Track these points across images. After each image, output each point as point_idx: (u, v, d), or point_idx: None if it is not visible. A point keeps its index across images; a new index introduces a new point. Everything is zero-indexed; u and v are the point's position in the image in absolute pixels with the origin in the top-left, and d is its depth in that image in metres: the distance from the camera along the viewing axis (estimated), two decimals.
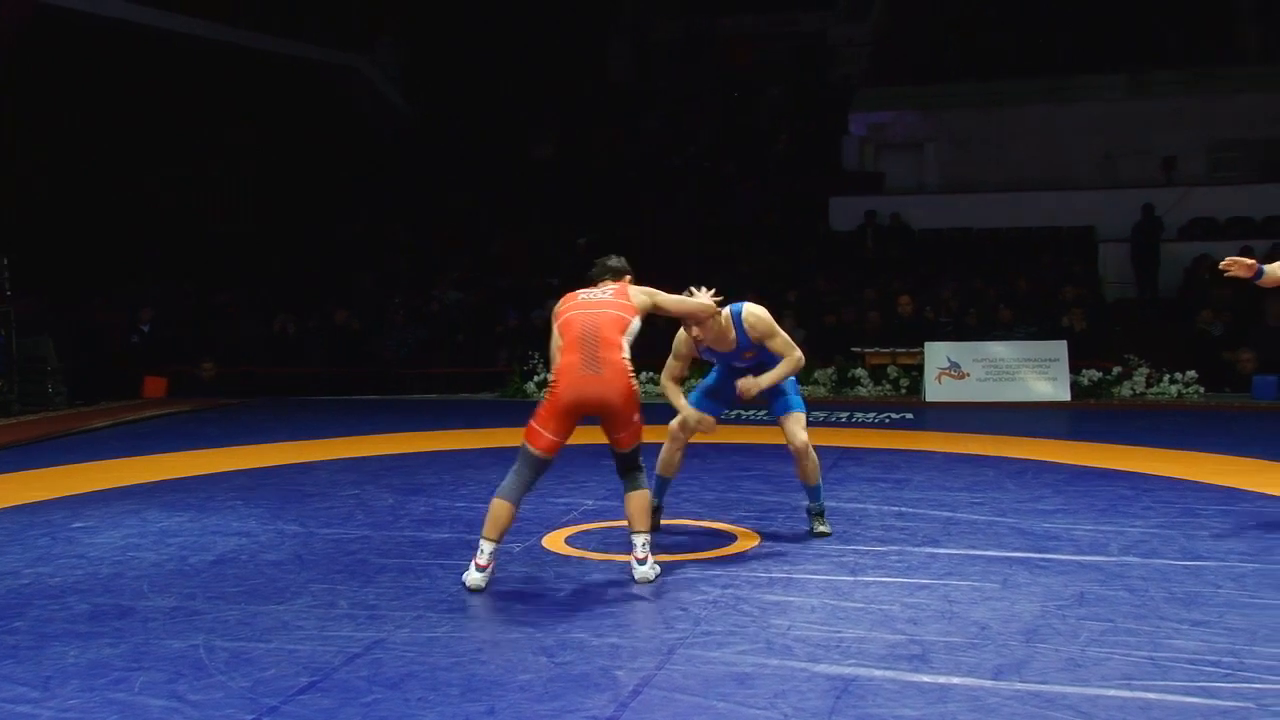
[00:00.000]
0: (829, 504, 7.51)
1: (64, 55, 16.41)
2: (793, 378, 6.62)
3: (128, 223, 17.96)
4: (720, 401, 6.82)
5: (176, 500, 8.05)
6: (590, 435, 10.73)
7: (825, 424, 11.53)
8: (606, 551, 6.40)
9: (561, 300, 6.16)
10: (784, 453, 9.62)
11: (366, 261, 19.37)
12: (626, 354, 5.85)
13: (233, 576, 6.03)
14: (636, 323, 5.98)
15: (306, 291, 17.81)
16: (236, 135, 19.86)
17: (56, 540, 6.90)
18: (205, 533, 7.02)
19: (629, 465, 5.88)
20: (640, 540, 5.78)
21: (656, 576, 5.73)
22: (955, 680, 4.34)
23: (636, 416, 5.87)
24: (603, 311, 5.91)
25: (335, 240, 20.09)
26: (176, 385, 14.94)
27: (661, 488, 6.85)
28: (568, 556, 6.32)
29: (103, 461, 9.98)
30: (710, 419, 6.67)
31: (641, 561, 5.75)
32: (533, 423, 5.82)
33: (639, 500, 5.84)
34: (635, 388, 5.86)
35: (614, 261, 6.38)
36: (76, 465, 9.75)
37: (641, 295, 6.08)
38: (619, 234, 19.85)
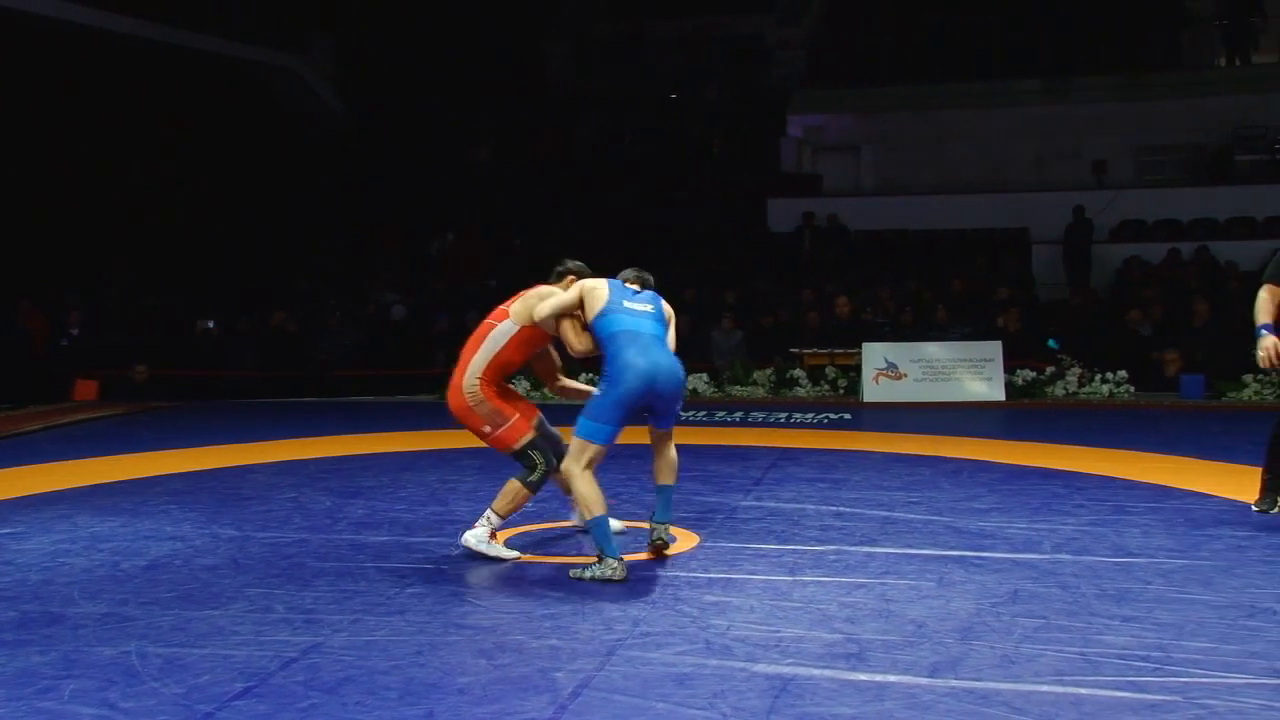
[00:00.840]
0: (767, 503, 7.57)
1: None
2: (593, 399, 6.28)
3: (56, 223, 17.66)
4: None
5: (109, 505, 7.92)
6: None
7: (764, 424, 11.59)
8: (545, 553, 6.39)
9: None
10: (721, 453, 9.71)
11: (302, 263, 19.20)
12: (474, 369, 6.20)
13: (166, 581, 5.94)
14: (505, 326, 6.25)
15: (241, 293, 17.62)
16: (169, 135, 19.60)
17: None
18: (138, 537, 6.91)
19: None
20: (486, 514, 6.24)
21: (467, 550, 6.16)
22: (892, 678, 4.38)
23: (486, 428, 6.27)
24: (481, 324, 6.33)
25: (270, 242, 19.89)
26: (108, 388, 14.72)
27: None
28: (506, 559, 6.29)
29: (32, 465, 9.80)
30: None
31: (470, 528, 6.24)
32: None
33: (508, 484, 6.32)
34: (467, 403, 6.23)
35: (561, 265, 6.50)
36: (4, 470, 9.57)
37: (530, 301, 6.29)
38: (556, 236, 19.90)
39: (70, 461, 10.00)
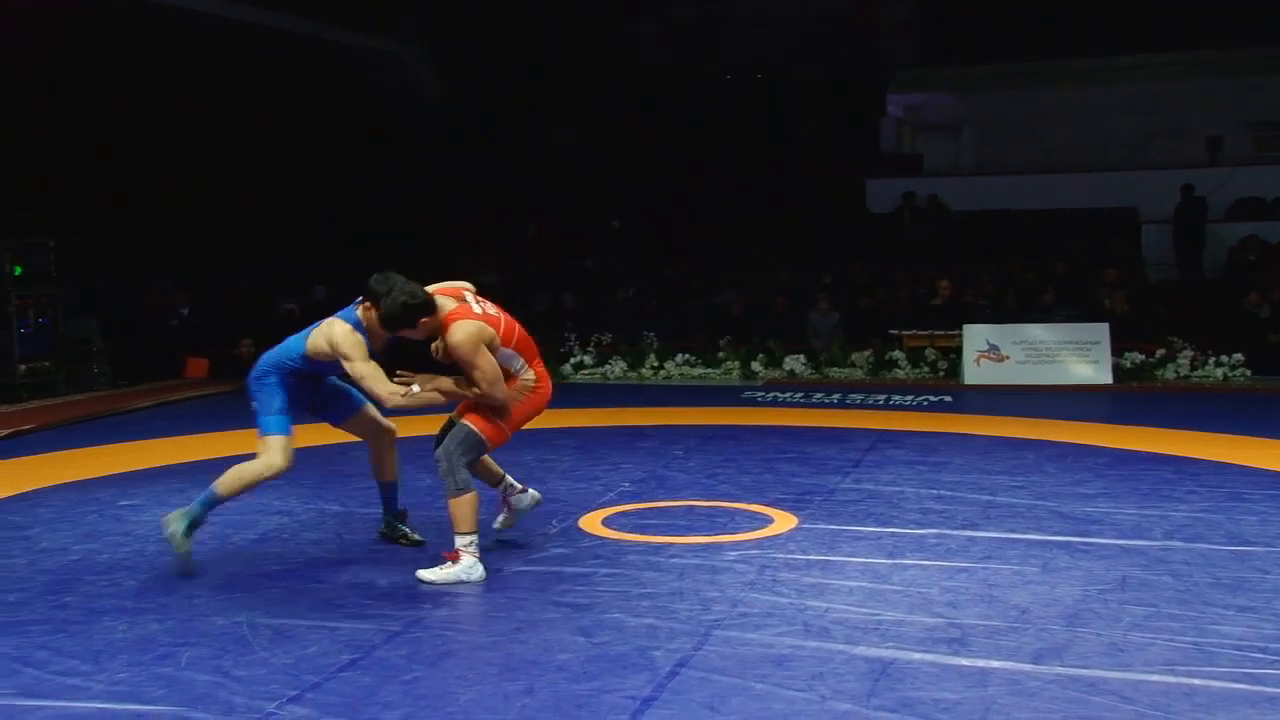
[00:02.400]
0: (866, 486, 7.52)
1: (107, 42, 16.51)
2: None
3: (168, 208, 18.09)
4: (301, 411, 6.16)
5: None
6: (626, 417, 10.76)
7: (862, 406, 11.50)
8: (643, 533, 6.42)
9: (467, 307, 5.68)
10: (819, 434, 9.66)
11: (394, 243, 19.42)
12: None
13: (275, 555, 6.09)
14: None
15: (342, 275, 17.87)
16: (266, 120, 19.94)
17: (104, 518, 7.00)
18: (248, 511, 7.07)
19: None
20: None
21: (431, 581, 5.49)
22: (995, 664, 4.35)
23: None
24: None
25: (364, 224, 20.15)
26: (218, 366, 15.04)
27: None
28: (604, 538, 6.34)
29: (147, 441, 10.05)
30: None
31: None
32: (506, 426, 5.73)
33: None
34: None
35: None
36: (122, 444, 9.85)
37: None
38: (650, 217, 19.91)
39: (183, 437, 10.23)
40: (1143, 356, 13.40)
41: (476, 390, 5.58)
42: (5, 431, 10.36)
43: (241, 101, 19.20)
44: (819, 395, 12.31)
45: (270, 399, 5.91)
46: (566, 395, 12.66)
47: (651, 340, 14.33)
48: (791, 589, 5.32)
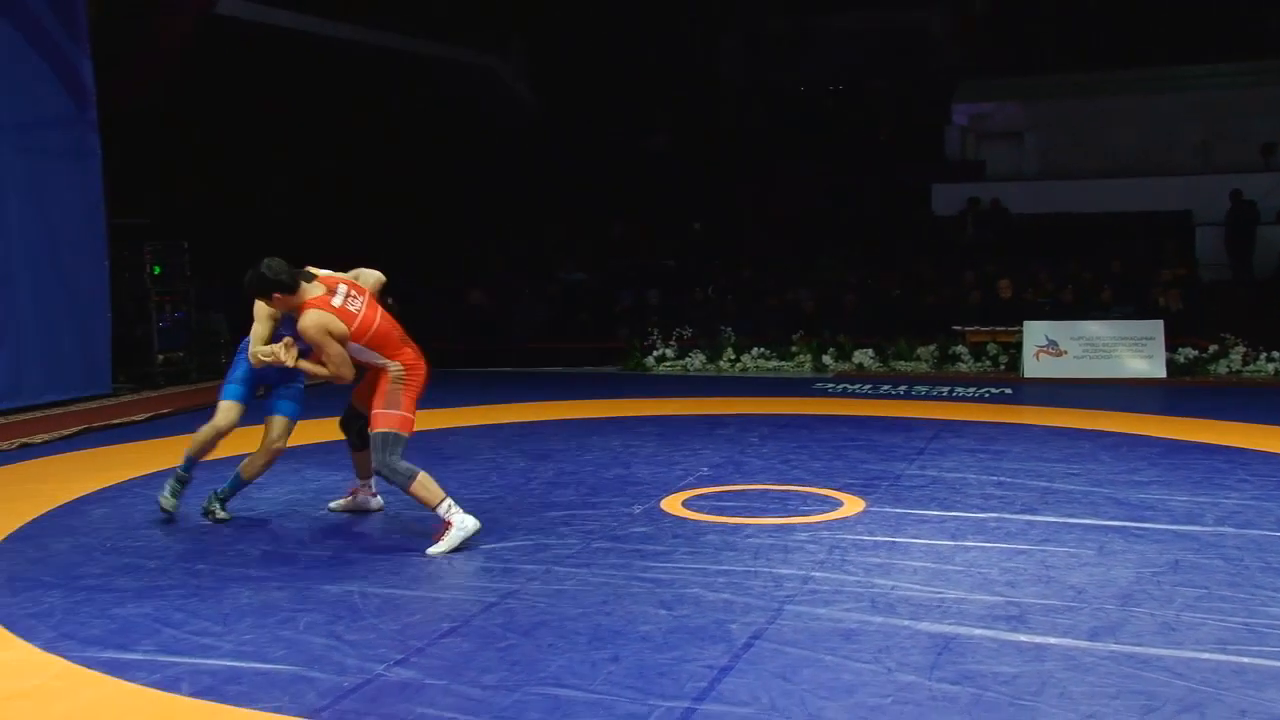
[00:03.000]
0: (930, 472, 7.45)
1: (230, 59, 16.84)
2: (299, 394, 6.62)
3: (286, 212, 18.41)
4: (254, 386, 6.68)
5: (332, 460, 8.24)
6: (705, 406, 10.76)
7: (927, 398, 11.39)
8: (720, 514, 6.42)
9: (326, 298, 5.84)
10: (886, 423, 9.58)
11: (496, 246, 19.57)
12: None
13: (382, 530, 6.19)
14: None
15: (441, 274, 18.06)
16: (375, 130, 20.20)
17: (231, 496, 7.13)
18: None
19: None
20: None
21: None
22: (1052, 640, 4.29)
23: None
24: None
25: (466, 227, 20.33)
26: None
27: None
28: (684, 519, 6.35)
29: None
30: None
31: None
32: (405, 411, 5.92)
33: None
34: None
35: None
36: (246, 428, 10.00)
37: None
38: (729, 220, 19.88)
39: (300, 421, 10.37)
40: (1196, 352, 13.12)
41: (327, 370, 5.83)
42: (145, 415, 10.65)
43: (352, 114, 19.48)
44: (886, 387, 12.22)
45: (234, 370, 6.57)
46: (649, 385, 12.72)
47: (729, 335, 14.32)
48: (859, 568, 5.30)
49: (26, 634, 4.58)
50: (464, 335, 15.79)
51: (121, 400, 11.63)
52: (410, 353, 6.07)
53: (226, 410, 6.48)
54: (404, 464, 5.82)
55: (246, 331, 6.38)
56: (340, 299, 5.87)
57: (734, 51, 25.04)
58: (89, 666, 4.22)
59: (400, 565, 5.44)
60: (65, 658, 4.31)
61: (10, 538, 6.14)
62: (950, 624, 4.49)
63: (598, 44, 22.09)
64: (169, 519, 6.47)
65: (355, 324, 5.81)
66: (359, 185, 19.78)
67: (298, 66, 18.09)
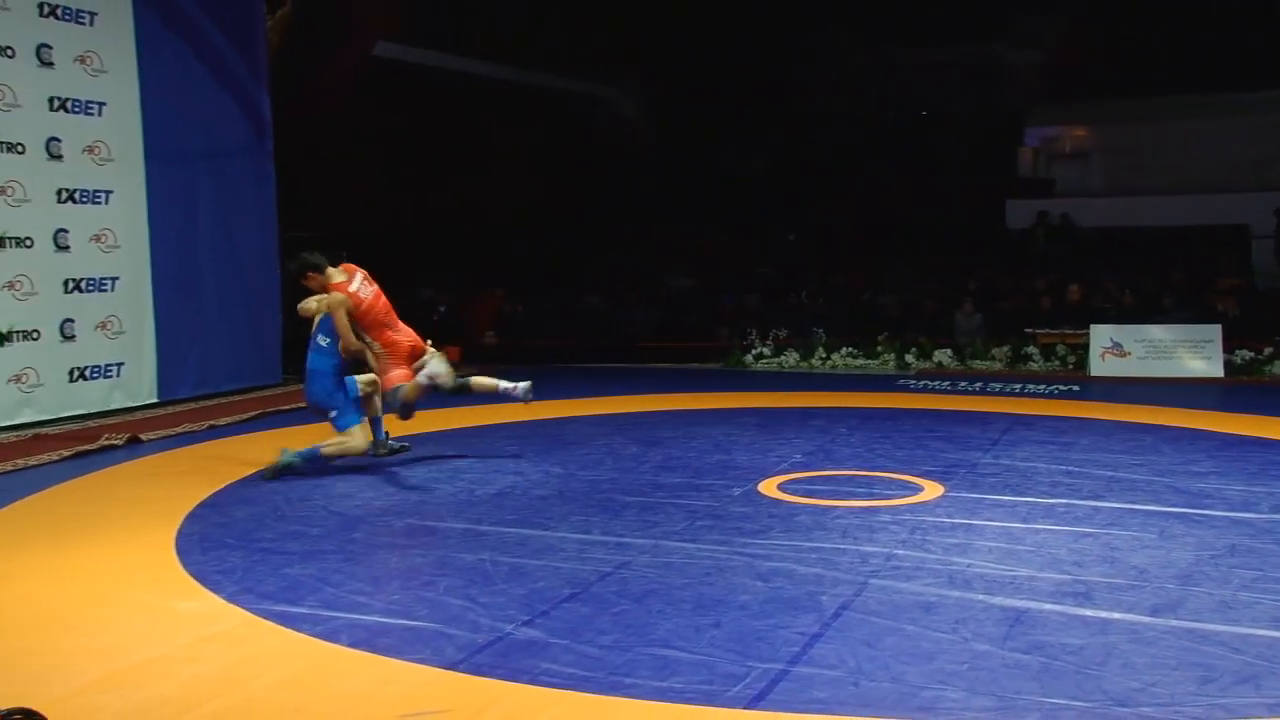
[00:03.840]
0: (1004, 461, 7.28)
1: (384, 93, 17.21)
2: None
3: (431, 225, 18.75)
4: None
5: (465, 444, 8.38)
6: (798, 400, 10.64)
7: (1000, 394, 11.12)
8: (812, 497, 6.35)
9: (346, 283, 7.11)
10: (963, 417, 9.38)
11: (612, 254, 19.67)
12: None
13: (510, 506, 6.25)
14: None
15: (564, 279, 18.23)
16: (512, 154, 20.44)
17: (380, 472, 7.30)
18: (488, 471, 7.28)
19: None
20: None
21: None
22: (1116, 616, 4.16)
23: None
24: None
25: (584, 238, 20.49)
26: (467, 352, 15.50)
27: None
28: (779, 500, 6.30)
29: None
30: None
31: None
32: (396, 372, 7.03)
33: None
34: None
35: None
36: (392, 415, 10.19)
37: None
38: (820, 232, 19.71)
39: (438, 410, 10.55)
40: (1252, 354, 12.60)
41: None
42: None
43: (488, 140, 19.76)
44: (963, 384, 11.96)
45: (338, 394, 7.18)
46: (748, 381, 12.64)
47: (820, 335, 14.17)
48: (938, 547, 5.19)
49: (214, 587, 4.74)
50: (582, 334, 15.90)
51: (289, 389, 11.88)
52: (389, 334, 7.12)
53: (361, 432, 7.23)
54: (427, 385, 7.03)
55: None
56: (355, 284, 7.08)
57: (826, 82, 24.84)
58: (264, 617, 4.34)
59: (525, 539, 5.49)
60: (245, 609, 4.45)
61: (201, 505, 6.36)
62: (1022, 599, 4.38)
63: (704, 77, 22.08)
64: (268, 474, 7.00)
65: (363, 306, 7.04)
66: (492, 203, 20.04)
67: (440, 99, 18.43)
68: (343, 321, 6.94)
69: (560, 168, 21.24)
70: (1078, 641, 3.90)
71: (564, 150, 21.35)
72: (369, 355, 7.17)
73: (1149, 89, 20.43)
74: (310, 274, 7.11)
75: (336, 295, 6.99)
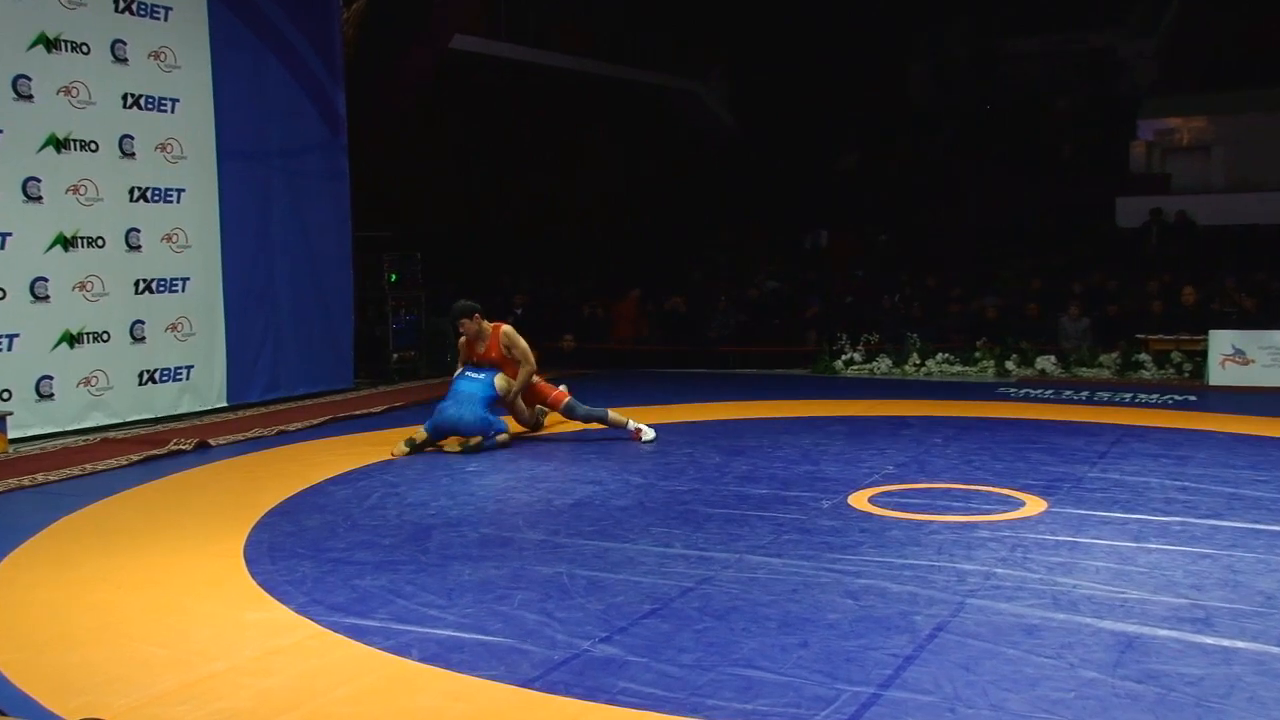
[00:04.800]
0: (1112, 475, 7.09)
1: (462, 87, 17.42)
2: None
3: (509, 226, 18.94)
4: None
5: (545, 451, 8.42)
6: (891, 408, 10.51)
7: (1109, 403, 10.85)
8: (905, 510, 6.26)
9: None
10: (1068, 427, 9.16)
11: (694, 257, 19.65)
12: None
13: (589, 517, 6.25)
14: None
15: (646, 282, 18.23)
16: (593, 151, 20.56)
17: (455, 480, 7.36)
18: (566, 480, 7.31)
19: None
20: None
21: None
22: (1241, 644, 4.01)
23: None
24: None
25: (668, 239, 20.48)
26: (544, 356, 15.57)
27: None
28: (871, 514, 6.21)
29: None
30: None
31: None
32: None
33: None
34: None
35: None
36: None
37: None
38: (917, 233, 19.45)
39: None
40: None
41: (526, 368, 8.83)
42: (382, 407, 11.06)
43: (571, 137, 19.89)
44: (1068, 392, 11.68)
45: (496, 418, 8.66)
46: (838, 388, 12.51)
47: (914, 340, 13.97)
48: (1041, 566, 5.07)
49: (283, 598, 4.81)
50: (665, 337, 15.89)
51: (361, 394, 12.11)
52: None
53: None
54: (584, 410, 8.97)
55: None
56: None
57: (921, 77, 24.54)
58: (334, 630, 4.40)
59: (604, 551, 5.48)
60: (315, 621, 4.51)
61: (270, 512, 6.47)
62: (1134, 623, 4.25)
63: (792, 72, 21.96)
64: (401, 451, 8.19)
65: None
66: (571, 203, 20.16)
67: (521, 94, 18.61)
68: (527, 349, 8.85)
69: (642, 165, 21.31)
70: (1197, 672, 3.76)
71: (646, 147, 21.42)
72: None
73: (1273, 76, 19.78)
74: (477, 314, 8.78)
75: (514, 329, 9.01)
